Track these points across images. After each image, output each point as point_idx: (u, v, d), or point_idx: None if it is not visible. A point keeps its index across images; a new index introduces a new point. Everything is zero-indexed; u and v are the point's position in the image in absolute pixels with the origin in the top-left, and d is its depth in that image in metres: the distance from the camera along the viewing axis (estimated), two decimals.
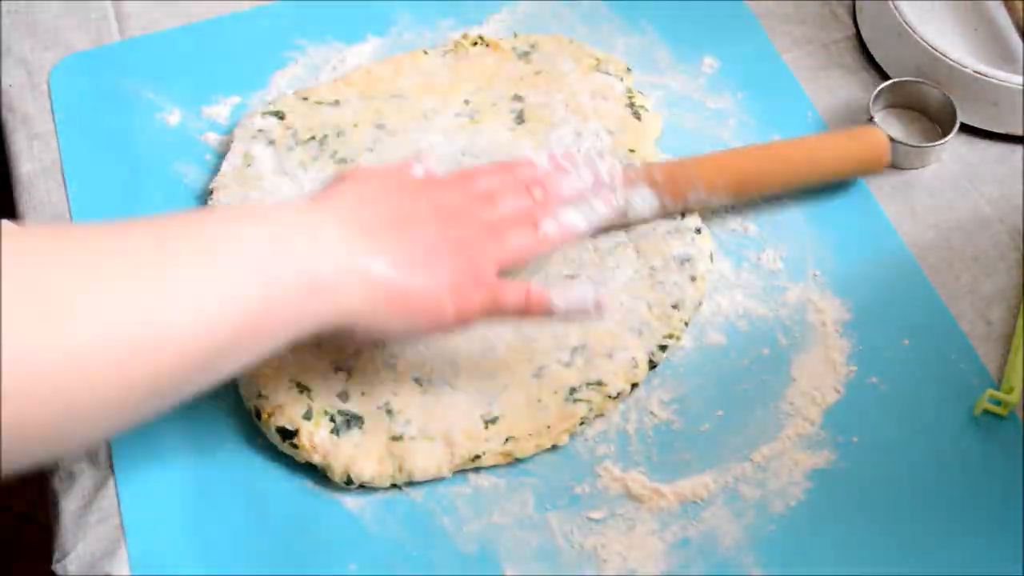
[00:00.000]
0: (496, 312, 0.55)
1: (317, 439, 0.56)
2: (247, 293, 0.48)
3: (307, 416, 0.56)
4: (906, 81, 0.70)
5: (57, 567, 0.54)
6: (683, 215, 0.64)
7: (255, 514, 0.56)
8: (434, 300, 0.53)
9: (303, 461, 0.56)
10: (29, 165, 0.69)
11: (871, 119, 0.68)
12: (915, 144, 0.68)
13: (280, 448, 0.57)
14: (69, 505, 0.56)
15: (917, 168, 0.69)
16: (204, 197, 0.66)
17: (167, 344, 0.45)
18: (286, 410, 0.56)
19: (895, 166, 0.68)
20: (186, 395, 0.48)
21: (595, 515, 0.56)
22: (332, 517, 0.56)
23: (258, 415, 0.57)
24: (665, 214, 0.64)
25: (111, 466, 0.57)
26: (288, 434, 0.56)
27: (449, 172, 0.60)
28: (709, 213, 0.66)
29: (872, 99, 0.69)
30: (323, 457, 0.56)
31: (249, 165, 0.66)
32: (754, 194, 0.66)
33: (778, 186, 0.66)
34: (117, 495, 0.56)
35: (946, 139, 0.68)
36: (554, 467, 0.57)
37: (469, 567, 0.54)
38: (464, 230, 0.55)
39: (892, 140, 0.67)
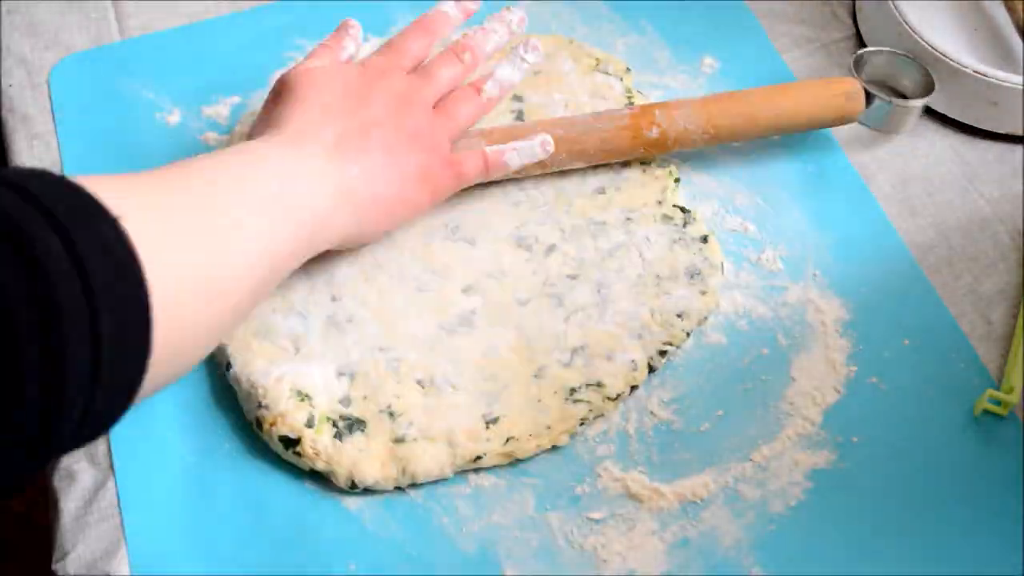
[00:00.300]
0: (462, 183, 0.62)
1: (320, 445, 0.56)
2: (285, 235, 0.53)
3: (309, 423, 0.56)
4: (885, 51, 0.70)
5: (57, 567, 0.54)
6: (674, 191, 0.64)
7: (255, 514, 0.56)
8: (411, 197, 0.59)
9: (307, 469, 0.56)
10: (29, 165, 0.69)
11: (851, 71, 0.68)
12: (885, 98, 0.67)
13: (284, 457, 0.57)
14: (69, 505, 0.56)
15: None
16: None
17: (245, 278, 0.50)
18: (287, 419, 0.56)
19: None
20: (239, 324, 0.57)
21: (595, 515, 0.56)
22: (332, 517, 0.56)
23: (259, 426, 0.57)
24: (632, 147, 0.65)
25: (111, 466, 0.57)
26: (291, 443, 0.56)
27: (375, 51, 0.64)
28: (704, 207, 0.66)
29: (852, 63, 0.69)
30: (327, 463, 0.55)
31: None
32: (723, 126, 0.65)
33: (749, 120, 0.65)
34: (117, 495, 0.56)
35: (911, 101, 0.67)
36: (554, 467, 0.57)
37: (469, 567, 0.54)
38: (416, 117, 0.60)
39: (865, 92, 0.66)
